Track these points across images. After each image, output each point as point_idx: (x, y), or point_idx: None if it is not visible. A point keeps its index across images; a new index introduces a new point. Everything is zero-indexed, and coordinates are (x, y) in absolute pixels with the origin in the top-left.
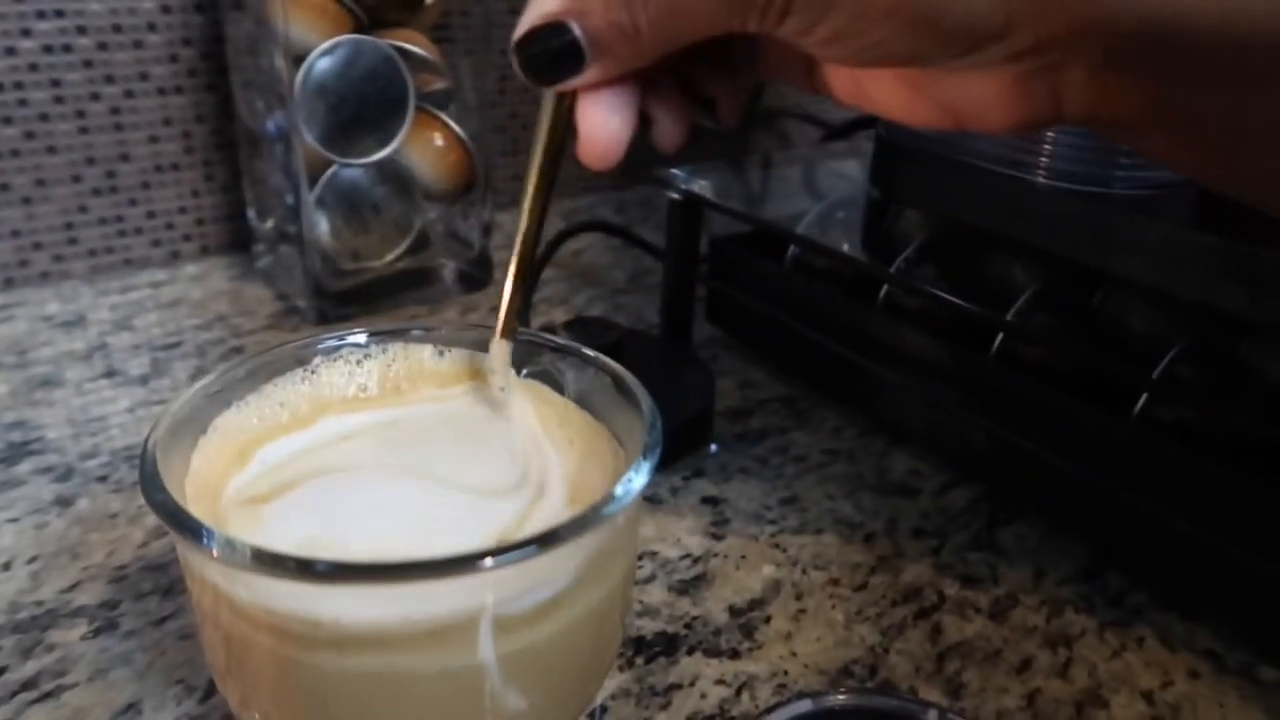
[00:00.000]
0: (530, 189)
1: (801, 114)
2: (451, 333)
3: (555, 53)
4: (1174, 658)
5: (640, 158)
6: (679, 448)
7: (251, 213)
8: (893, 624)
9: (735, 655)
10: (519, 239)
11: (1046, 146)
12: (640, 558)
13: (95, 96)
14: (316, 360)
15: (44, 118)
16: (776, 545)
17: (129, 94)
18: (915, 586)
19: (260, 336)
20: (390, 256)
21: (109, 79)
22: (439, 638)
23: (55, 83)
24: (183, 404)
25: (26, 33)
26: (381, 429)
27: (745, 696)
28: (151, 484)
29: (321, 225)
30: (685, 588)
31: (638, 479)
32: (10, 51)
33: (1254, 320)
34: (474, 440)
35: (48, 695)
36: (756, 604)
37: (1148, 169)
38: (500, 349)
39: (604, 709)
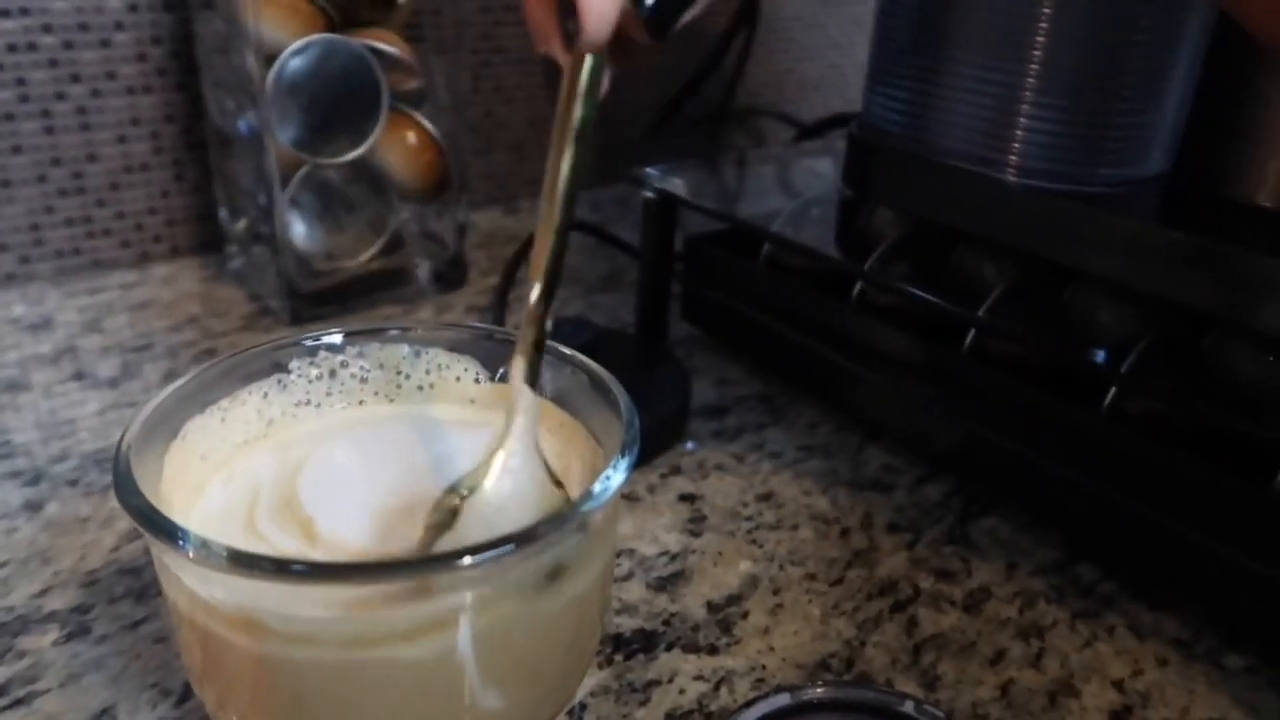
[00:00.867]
0: (559, 199)
1: (775, 113)
2: (426, 332)
3: None
4: (1143, 646)
5: (615, 156)
6: (656, 446)
7: (223, 213)
8: (869, 617)
9: (713, 651)
10: (545, 247)
11: (1017, 145)
12: (618, 555)
13: (61, 96)
14: (292, 363)
15: (8, 117)
16: (753, 541)
17: (96, 93)
18: (891, 580)
19: (233, 338)
20: (364, 256)
21: (75, 78)
22: (417, 635)
23: (20, 81)
24: (156, 406)
25: None
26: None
27: (724, 691)
28: (126, 487)
29: (295, 225)
30: (663, 584)
31: (616, 476)
32: None
33: (1219, 315)
34: (447, 439)
35: (19, 702)
36: (734, 600)
37: (1117, 167)
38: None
39: (583, 706)
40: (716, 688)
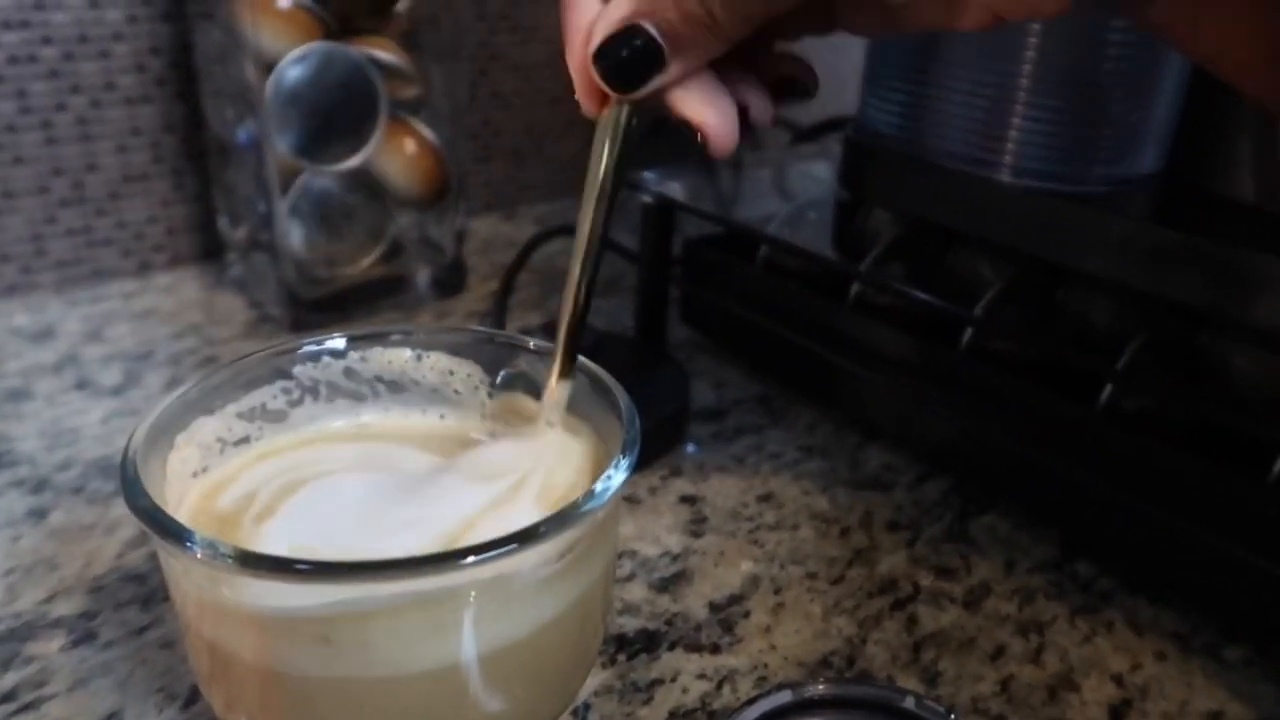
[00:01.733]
0: (588, 227)
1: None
2: (429, 336)
3: (634, 56)
4: (1141, 641)
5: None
6: (656, 448)
7: (223, 221)
8: (869, 615)
9: (716, 650)
10: (575, 275)
11: (1010, 145)
12: (620, 556)
13: (61, 107)
14: (296, 369)
15: (10, 129)
16: (754, 541)
17: (96, 104)
18: (891, 578)
19: (235, 345)
20: (364, 264)
21: (75, 89)
22: (422, 635)
23: (21, 93)
24: (162, 411)
25: None
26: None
27: (726, 690)
28: (133, 490)
29: (294, 233)
30: (665, 585)
31: (617, 476)
32: None
33: (1212, 312)
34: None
35: (27, 707)
36: (736, 599)
37: (1110, 166)
38: (556, 392)
39: (587, 706)
40: (719, 686)
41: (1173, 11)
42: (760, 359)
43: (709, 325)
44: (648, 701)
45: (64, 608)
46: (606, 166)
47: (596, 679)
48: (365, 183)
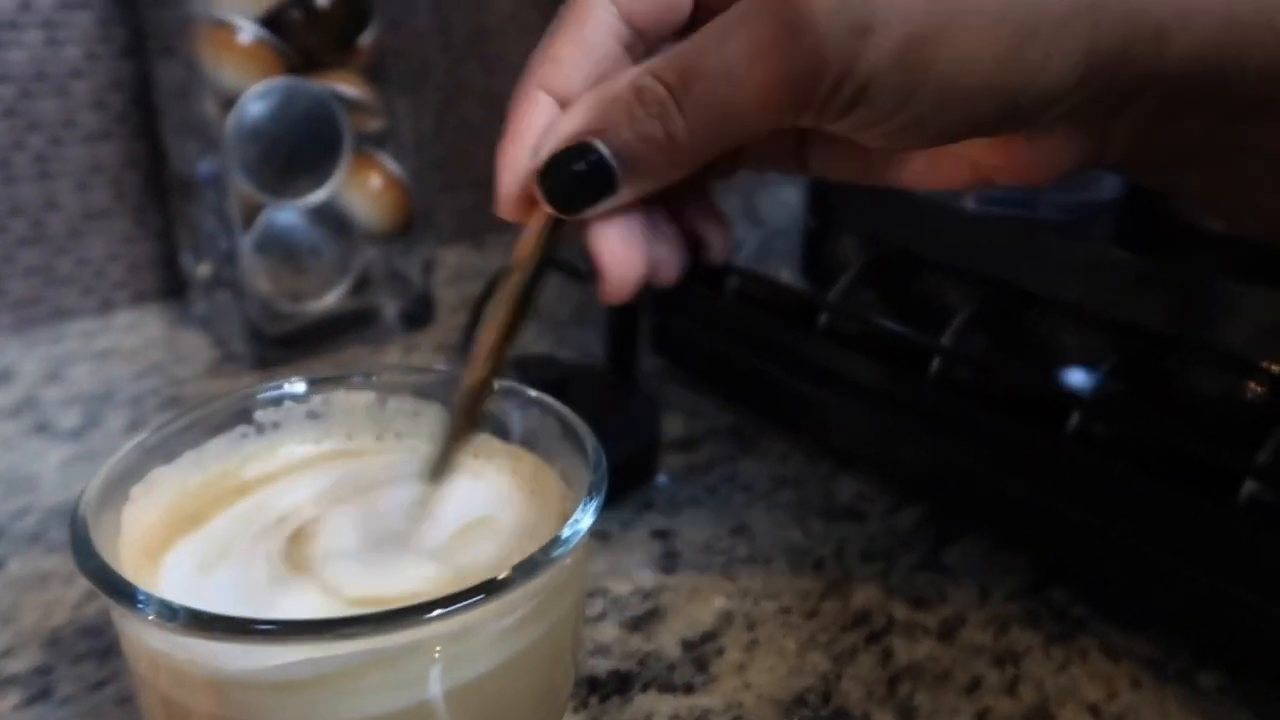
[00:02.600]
0: (499, 327)
1: None
2: (392, 377)
3: (583, 177)
4: (1116, 668)
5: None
6: (627, 481)
7: (186, 258)
8: (844, 649)
9: (689, 690)
10: (476, 374)
11: None
12: (591, 595)
13: (19, 145)
14: (257, 414)
15: None
16: (727, 576)
17: (55, 141)
18: (865, 611)
19: (198, 385)
20: (330, 298)
21: (33, 127)
22: (386, 692)
23: None
24: (117, 462)
25: None
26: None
27: None
28: (83, 549)
29: (258, 269)
30: (637, 623)
31: (584, 520)
32: None
33: (1177, 335)
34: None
35: None
36: (709, 637)
37: (1071, 192)
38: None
39: None
40: None
41: (1162, 181)
42: (732, 388)
43: (680, 354)
44: None
45: (19, 663)
46: (523, 281)
47: None
48: (330, 217)
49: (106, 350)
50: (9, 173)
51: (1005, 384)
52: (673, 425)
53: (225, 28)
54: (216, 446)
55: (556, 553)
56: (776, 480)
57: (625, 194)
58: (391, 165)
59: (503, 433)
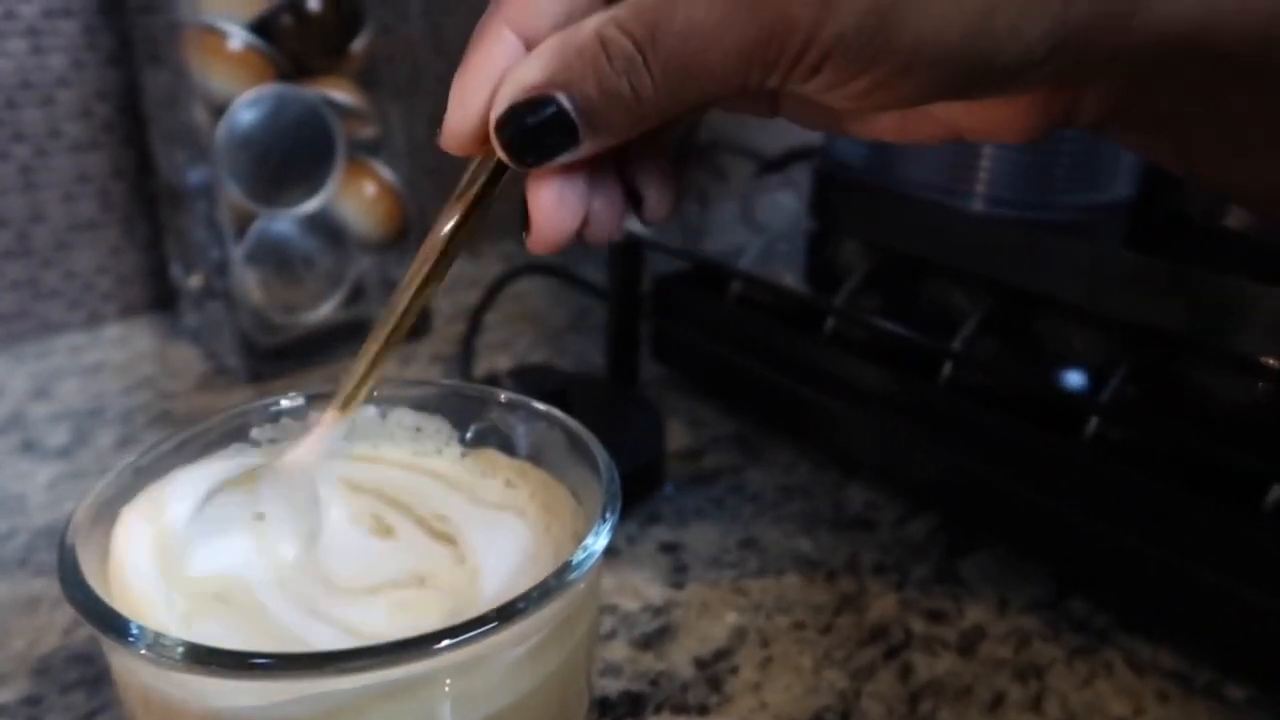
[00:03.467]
0: (435, 252)
1: (736, 148)
2: (392, 391)
3: (541, 129)
4: (1142, 682)
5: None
6: (633, 493)
7: (176, 270)
8: (861, 666)
9: (704, 711)
10: (404, 301)
11: (982, 174)
12: (600, 613)
13: (4, 156)
14: (253, 431)
15: None
16: (738, 590)
17: (41, 152)
18: (881, 625)
19: (190, 399)
20: (324, 309)
21: (18, 137)
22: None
23: None
24: (105, 486)
25: None
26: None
27: None
28: (71, 579)
29: (250, 280)
30: (648, 641)
31: (597, 542)
32: None
33: (1194, 338)
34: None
35: None
36: (722, 654)
37: (1081, 192)
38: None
39: None
40: None
41: (1205, 155)
42: (735, 396)
43: (682, 362)
44: None
45: (8, 693)
46: (458, 220)
47: None
48: (323, 226)
49: (95, 365)
50: None
51: (1019, 389)
52: (675, 435)
53: (214, 34)
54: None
55: (571, 576)
56: (784, 490)
57: (585, 148)
58: (385, 172)
59: (510, 448)
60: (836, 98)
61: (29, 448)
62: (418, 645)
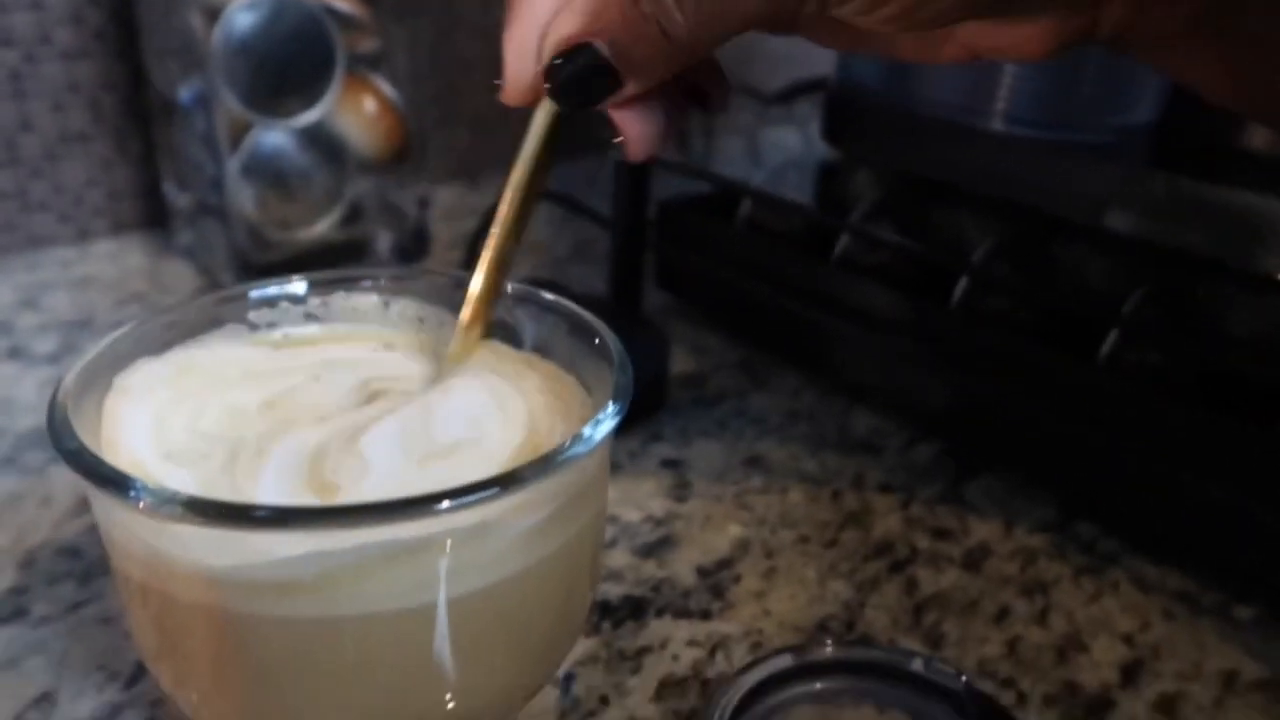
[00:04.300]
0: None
1: (740, 86)
2: (398, 281)
3: (585, 77)
4: (1149, 600)
5: (581, 129)
6: (634, 413)
7: (168, 186)
8: (866, 579)
9: (706, 616)
10: (491, 251)
11: (1003, 92)
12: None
13: None
14: (251, 313)
15: None
16: (742, 505)
17: (30, 59)
18: (886, 541)
19: None
20: (320, 227)
21: (7, 42)
22: (393, 588)
23: None
24: (100, 351)
25: None
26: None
27: (720, 657)
28: (62, 433)
29: (245, 195)
30: (650, 550)
31: (606, 421)
32: None
33: (1215, 261)
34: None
35: None
36: (725, 564)
37: (1106, 114)
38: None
39: (571, 676)
40: (711, 653)
41: (1224, 70)
42: (741, 322)
43: (687, 289)
44: (636, 670)
45: None
46: (534, 160)
47: (580, 648)
48: (321, 141)
49: (85, 279)
50: None
51: (1034, 310)
52: (679, 361)
53: None
54: (201, 344)
55: (577, 450)
56: (789, 414)
57: (630, 88)
58: (386, 89)
59: (517, 342)
60: (870, 21)
61: (16, 354)
62: (420, 504)
